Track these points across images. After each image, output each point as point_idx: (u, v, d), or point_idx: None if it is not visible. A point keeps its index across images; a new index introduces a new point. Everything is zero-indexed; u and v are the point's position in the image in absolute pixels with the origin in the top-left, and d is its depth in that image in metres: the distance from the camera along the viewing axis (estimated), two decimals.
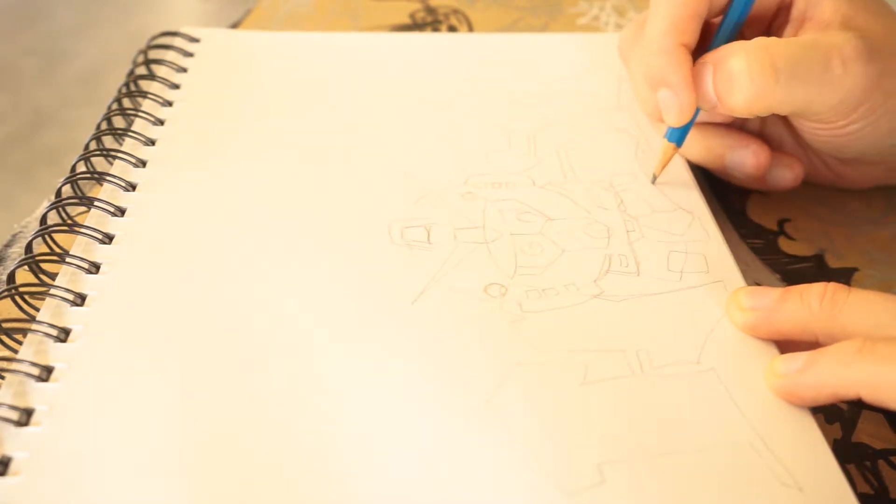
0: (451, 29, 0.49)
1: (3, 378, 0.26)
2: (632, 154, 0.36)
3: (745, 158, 0.34)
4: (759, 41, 0.30)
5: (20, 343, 0.27)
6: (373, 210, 0.33)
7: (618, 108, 0.39)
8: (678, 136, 0.33)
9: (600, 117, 0.39)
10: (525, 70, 0.42)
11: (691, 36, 0.31)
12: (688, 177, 0.35)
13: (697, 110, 0.32)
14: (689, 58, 0.31)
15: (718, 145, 0.35)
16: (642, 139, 0.37)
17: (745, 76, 0.29)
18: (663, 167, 0.34)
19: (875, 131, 0.31)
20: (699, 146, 0.35)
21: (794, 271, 0.33)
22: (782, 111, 0.30)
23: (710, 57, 0.31)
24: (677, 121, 0.31)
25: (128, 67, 0.40)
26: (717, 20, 0.33)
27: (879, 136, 0.31)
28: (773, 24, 0.34)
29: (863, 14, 0.31)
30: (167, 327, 0.28)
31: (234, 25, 0.49)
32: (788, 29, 0.33)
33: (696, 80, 0.31)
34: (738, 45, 0.30)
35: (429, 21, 0.50)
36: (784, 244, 0.35)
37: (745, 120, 0.35)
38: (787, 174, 0.35)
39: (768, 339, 0.28)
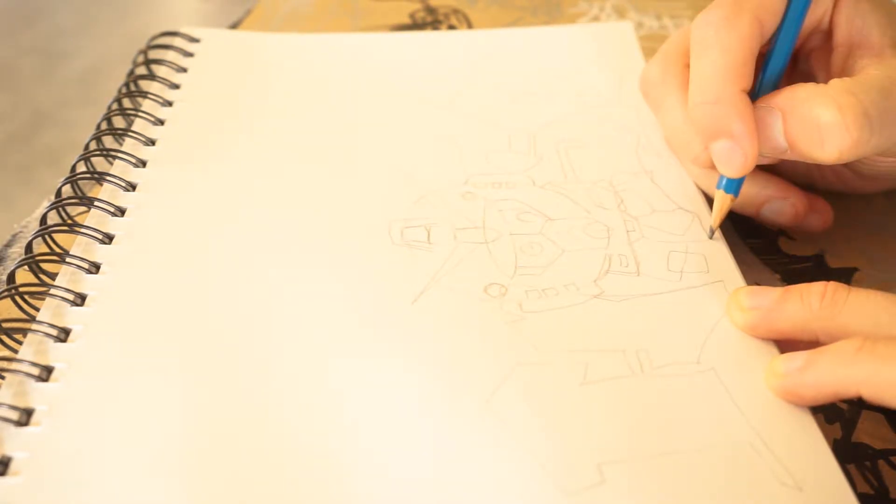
0: (451, 29, 0.49)
1: (3, 378, 0.26)
2: (633, 152, 0.36)
3: (783, 209, 0.33)
4: (839, 85, 0.28)
5: (20, 343, 0.27)
6: (373, 210, 0.33)
7: (619, 104, 0.39)
8: (735, 187, 0.31)
9: (601, 113, 0.38)
10: (525, 66, 0.42)
11: (749, 80, 0.29)
12: (688, 177, 0.35)
13: None
14: (751, 106, 0.29)
15: (757, 195, 0.33)
16: (643, 136, 0.37)
17: (842, 128, 0.27)
18: (721, 219, 0.31)
19: None
20: (740, 196, 0.32)
21: (794, 271, 0.33)
22: (868, 155, 0.29)
23: (775, 102, 0.29)
24: (740, 173, 0.29)
25: (128, 67, 0.40)
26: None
27: None
28: (802, 49, 0.33)
29: None
30: (167, 327, 0.28)
31: (234, 25, 0.49)
32: (835, 57, 0.32)
33: (758, 123, 0.29)
34: (815, 90, 0.28)
35: (429, 21, 0.50)
36: (784, 244, 0.35)
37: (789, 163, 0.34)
38: (817, 221, 0.34)
39: (768, 339, 0.28)
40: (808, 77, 0.34)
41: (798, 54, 0.34)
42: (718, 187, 0.31)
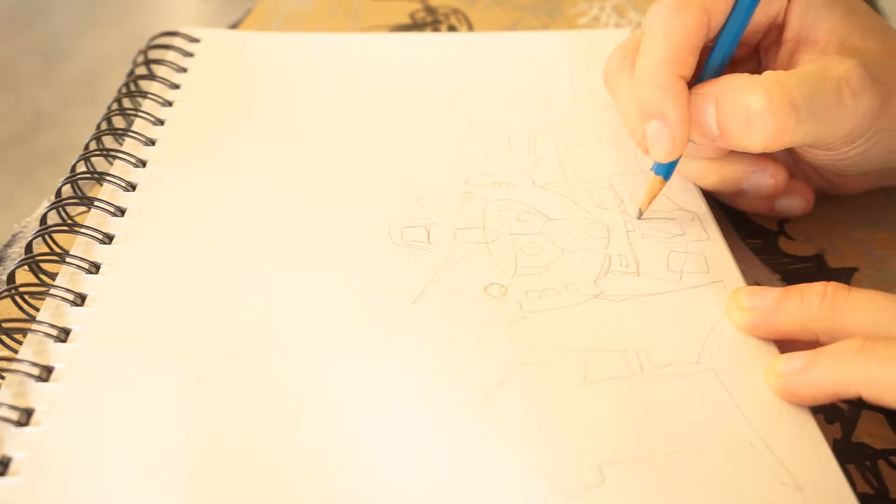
0: (451, 29, 0.49)
1: (3, 378, 0.26)
2: (633, 152, 0.36)
3: (762, 181, 0.33)
4: (771, 76, 0.29)
5: (20, 343, 0.27)
6: (373, 210, 0.33)
7: None
8: (666, 170, 0.32)
9: (601, 115, 0.39)
10: (525, 68, 0.42)
11: (690, 68, 0.30)
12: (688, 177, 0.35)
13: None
14: (686, 91, 0.30)
15: (733, 171, 0.33)
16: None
17: (768, 115, 0.28)
18: (650, 202, 0.32)
19: (878, 151, 0.31)
20: (714, 175, 0.33)
21: (794, 271, 0.33)
22: (796, 144, 0.30)
23: (709, 89, 0.30)
24: (668, 156, 0.30)
25: (128, 67, 0.40)
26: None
27: (881, 154, 0.31)
28: (761, 44, 0.34)
29: (858, 33, 0.31)
30: (167, 327, 0.28)
31: (234, 25, 0.49)
32: (782, 52, 0.32)
33: (693, 112, 0.30)
34: (747, 80, 0.29)
35: (429, 21, 0.50)
36: (784, 244, 0.35)
37: None
38: (798, 202, 0.34)
39: (768, 339, 0.28)
40: None
41: (759, 50, 0.34)
42: (652, 170, 0.32)
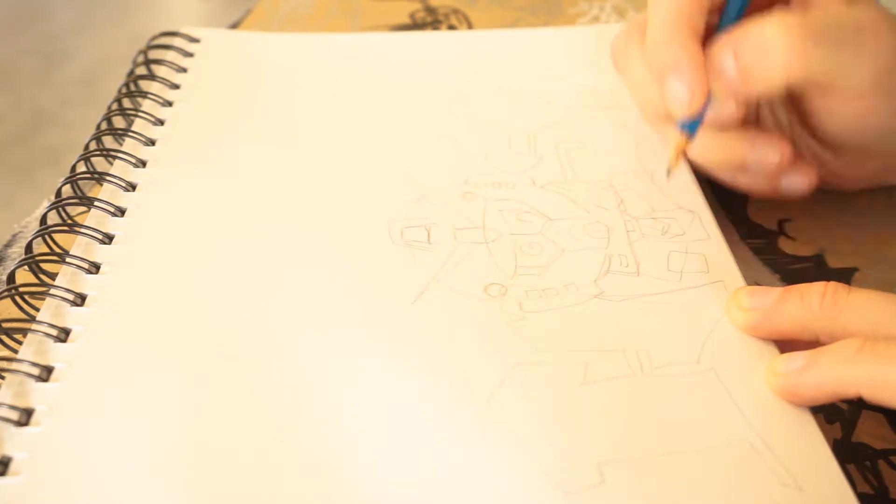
0: (451, 29, 0.49)
1: (3, 378, 0.26)
2: (633, 152, 0.36)
3: (768, 154, 0.32)
4: (784, 13, 0.29)
5: (20, 343, 0.27)
6: (373, 210, 0.33)
7: (618, 104, 0.39)
8: (691, 126, 0.32)
9: (601, 113, 0.38)
10: (525, 67, 0.42)
11: (698, 24, 0.31)
12: (688, 177, 0.35)
13: (707, 102, 0.31)
14: (698, 44, 0.30)
15: (738, 144, 0.33)
16: (643, 136, 0.37)
17: (783, 40, 0.28)
18: (678, 159, 0.32)
19: (892, 110, 0.31)
20: (717, 147, 0.33)
21: (794, 271, 0.33)
22: (818, 78, 0.29)
23: (724, 40, 0.30)
24: (689, 107, 0.30)
25: (128, 67, 0.40)
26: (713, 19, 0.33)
27: (893, 116, 0.31)
28: (769, 6, 0.34)
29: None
30: (167, 327, 0.28)
31: (234, 25, 0.49)
32: (794, 6, 0.33)
33: (713, 64, 0.30)
34: (761, 20, 0.29)
35: (429, 21, 0.50)
36: (784, 244, 0.35)
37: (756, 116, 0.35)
38: (801, 180, 0.34)
39: (768, 339, 0.28)
40: None
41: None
42: (677, 127, 0.32)
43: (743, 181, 0.34)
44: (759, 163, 0.33)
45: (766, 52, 0.29)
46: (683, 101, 0.30)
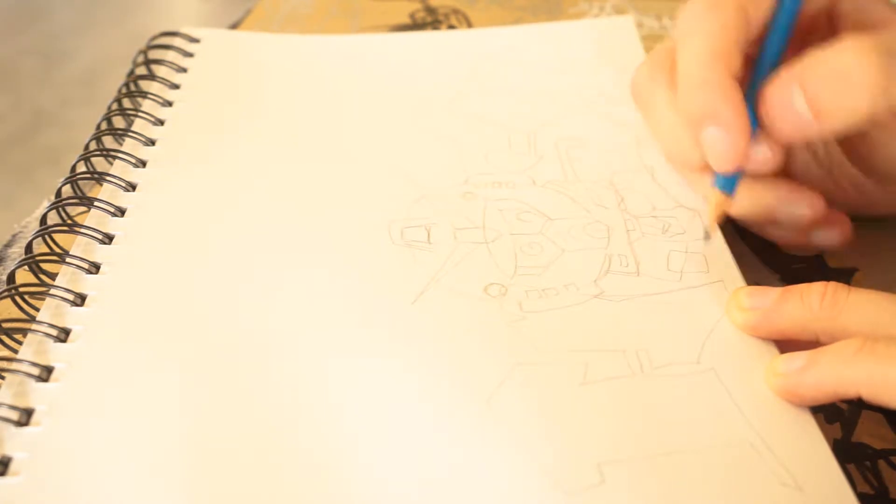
0: (451, 29, 0.49)
1: (3, 378, 0.26)
2: (633, 150, 0.36)
3: (800, 209, 0.30)
4: (853, 39, 0.26)
5: (20, 343, 0.27)
6: (373, 210, 0.33)
7: (620, 100, 0.39)
8: (730, 183, 0.29)
9: (601, 111, 0.38)
10: (525, 65, 0.42)
11: (737, 64, 0.28)
12: None
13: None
14: (738, 89, 0.27)
15: (769, 197, 0.30)
16: (643, 133, 0.37)
17: (865, 65, 0.25)
18: (718, 222, 0.30)
19: None
20: (746, 199, 0.30)
21: (794, 271, 0.33)
22: None
23: (786, 75, 0.27)
24: (731, 162, 0.27)
25: (128, 67, 0.40)
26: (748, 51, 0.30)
27: None
28: (809, 45, 0.31)
29: None
30: (167, 327, 0.28)
31: (234, 25, 0.49)
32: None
33: (775, 104, 0.27)
34: (828, 49, 0.26)
35: (429, 21, 0.50)
36: None
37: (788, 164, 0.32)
38: (835, 235, 0.32)
39: (768, 339, 0.28)
40: None
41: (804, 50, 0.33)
42: (713, 185, 0.30)
43: (772, 233, 0.33)
44: (790, 218, 0.31)
45: (846, 82, 0.26)
46: (724, 155, 0.27)
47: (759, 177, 0.30)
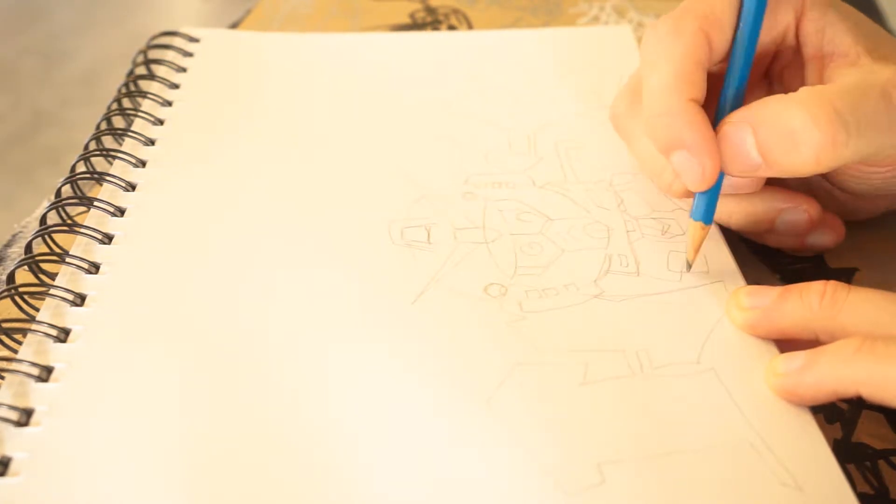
0: (451, 29, 0.49)
1: (3, 378, 0.26)
2: None
3: (797, 217, 0.31)
4: (809, 90, 0.27)
5: (20, 343, 0.27)
6: (373, 210, 0.33)
7: None
8: (704, 212, 0.29)
9: (600, 114, 0.38)
10: (524, 67, 0.42)
11: (699, 89, 0.28)
12: None
13: (721, 177, 0.29)
14: (702, 113, 0.28)
15: (766, 210, 0.31)
16: None
17: (813, 130, 0.26)
18: (696, 252, 0.30)
19: None
20: (744, 215, 0.31)
21: (794, 271, 0.33)
22: (850, 161, 0.27)
23: (740, 115, 0.28)
24: (701, 184, 0.28)
25: (128, 67, 0.40)
26: (715, 69, 0.30)
27: None
28: (772, 69, 0.32)
29: (885, 43, 0.29)
30: (167, 327, 0.28)
31: (234, 25, 0.49)
32: (809, 71, 0.30)
33: (728, 143, 0.27)
34: (783, 99, 0.27)
35: (429, 21, 0.50)
36: None
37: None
38: (829, 236, 0.32)
39: (768, 339, 0.28)
40: None
41: (770, 74, 0.33)
42: (691, 216, 0.30)
43: (770, 239, 0.33)
44: (788, 226, 0.31)
45: (791, 138, 0.26)
46: (695, 177, 0.28)
47: (755, 193, 0.31)
